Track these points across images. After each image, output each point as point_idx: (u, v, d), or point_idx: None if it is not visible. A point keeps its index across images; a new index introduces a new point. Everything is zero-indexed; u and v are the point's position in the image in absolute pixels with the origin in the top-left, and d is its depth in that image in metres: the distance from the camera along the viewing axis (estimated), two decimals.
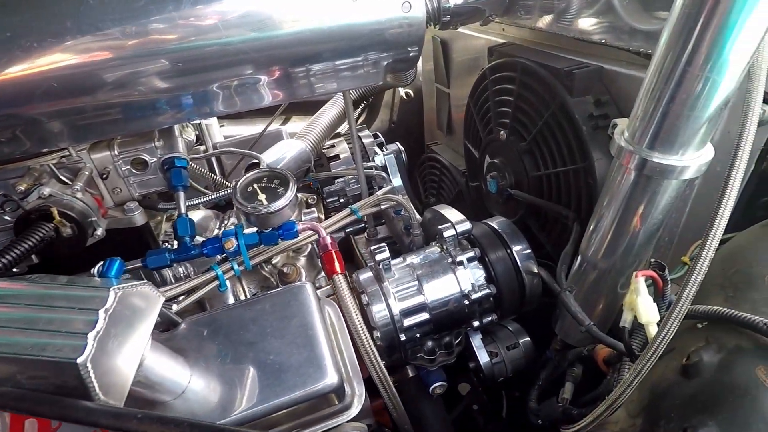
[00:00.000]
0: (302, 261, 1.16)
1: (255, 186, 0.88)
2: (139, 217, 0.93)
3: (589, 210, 0.85)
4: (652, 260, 0.71)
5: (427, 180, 1.68)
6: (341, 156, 1.49)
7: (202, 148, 1.44)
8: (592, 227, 0.80)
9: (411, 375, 1.10)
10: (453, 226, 0.98)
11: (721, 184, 0.58)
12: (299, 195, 1.44)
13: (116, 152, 0.90)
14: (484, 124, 1.19)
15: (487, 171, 1.17)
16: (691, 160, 0.62)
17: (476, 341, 1.08)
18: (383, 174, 1.28)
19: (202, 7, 0.69)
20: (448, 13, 1.06)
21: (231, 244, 0.87)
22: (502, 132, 1.07)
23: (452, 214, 1.02)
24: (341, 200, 1.49)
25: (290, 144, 1.27)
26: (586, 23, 0.89)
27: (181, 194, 0.92)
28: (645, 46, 0.78)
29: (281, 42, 0.75)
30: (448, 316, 0.97)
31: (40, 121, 0.70)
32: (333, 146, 1.52)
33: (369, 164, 1.34)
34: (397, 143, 1.58)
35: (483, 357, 1.06)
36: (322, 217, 1.41)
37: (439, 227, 0.99)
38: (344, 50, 0.80)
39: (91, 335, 0.44)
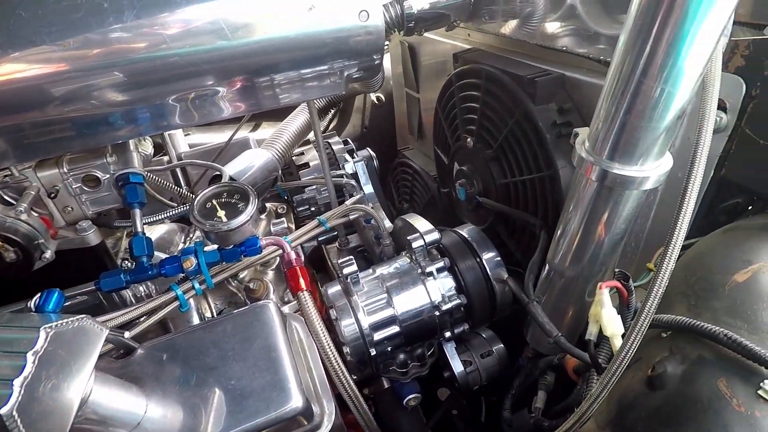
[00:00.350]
0: (270, 275, 1.13)
1: (214, 202, 0.85)
2: (93, 237, 0.88)
3: (556, 217, 0.84)
4: (617, 270, 0.71)
5: (400, 185, 1.67)
6: (311, 164, 1.46)
7: (166, 158, 1.39)
8: (558, 235, 0.79)
9: (386, 386, 1.09)
10: (422, 236, 0.96)
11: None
12: (268, 205, 1.41)
13: (65, 169, 0.85)
14: (452, 130, 1.18)
15: (456, 178, 1.16)
16: (651, 170, 0.62)
17: (450, 350, 1.06)
18: (353, 182, 1.25)
19: (147, 19, 0.66)
20: (412, 19, 1.05)
21: (190, 263, 0.83)
22: (469, 139, 1.06)
23: (421, 223, 1.01)
24: (312, 209, 1.46)
25: (256, 154, 1.24)
26: (549, 29, 0.89)
27: (137, 211, 0.88)
28: (605, 54, 0.78)
29: (236, 52, 0.72)
30: (419, 328, 0.95)
31: None
32: (302, 153, 1.49)
33: (338, 172, 1.31)
34: (368, 149, 1.56)
35: (457, 366, 1.05)
36: (293, 226, 1.38)
37: (408, 238, 0.97)
38: (303, 60, 0.77)
39: (17, 382, 0.40)
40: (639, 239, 0.90)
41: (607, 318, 0.64)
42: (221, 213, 0.83)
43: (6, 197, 0.81)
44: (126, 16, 0.65)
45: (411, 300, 0.94)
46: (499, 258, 0.98)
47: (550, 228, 0.89)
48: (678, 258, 0.59)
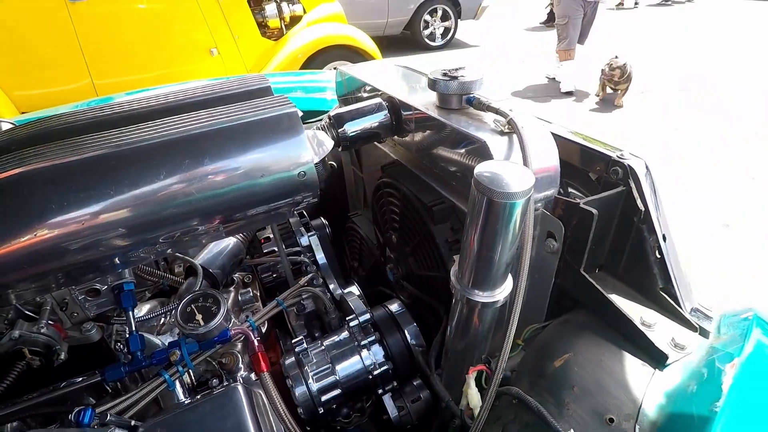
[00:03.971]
0: (239, 346, 1.38)
1: (192, 306, 1.11)
2: (95, 335, 1.12)
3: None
4: (483, 356, 1.01)
5: (350, 246, 1.95)
6: (272, 237, 1.72)
7: None
8: (448, 320, 1.09)
9: None
10: (356, 317, 1.25)
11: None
12: (236, 276, 1.66)
13: (73, 285, 1.09)
14: (383, 221, 1.47)
15: (386, 261, 1.45)
16: (498, 294, 0.92)
17: (386, 399, 1.35)
18: (306, 260, 1.52)
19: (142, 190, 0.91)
20: (348, 140, 1.33)
21: (175, 355, 1.08)
22: (393, 236, 1.34)
23: (357, 305, 1.29)
24: (274, 275, 1.72)
25: (224, 241, 1.49)
26: (444, 163, 1.18)
27: (131, 313, 1.12)
28: None
29: (203, 206, 0.98)
30: (357, 388, 1.23)
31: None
32: (264, 228, 1.75)
33: (295, 249, 1.58)
34: (322, 218, 1.83)
35: (392, 411, 1.33)
36: (258, 293, 1.64)
37: (347, 318, 1.25)
38: (259, 206, 1.03)
39: None
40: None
41: (470, 394, 0.93)
42: (199, 317, 1.09)
43: (27, 312, 1.04)
44: (125, 192, 0.90)
45: (349, 367, 1.22)
46: (417, 329, 1.27)
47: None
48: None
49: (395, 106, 1.33)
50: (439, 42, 10.10)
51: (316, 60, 6.19)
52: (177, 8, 5.57)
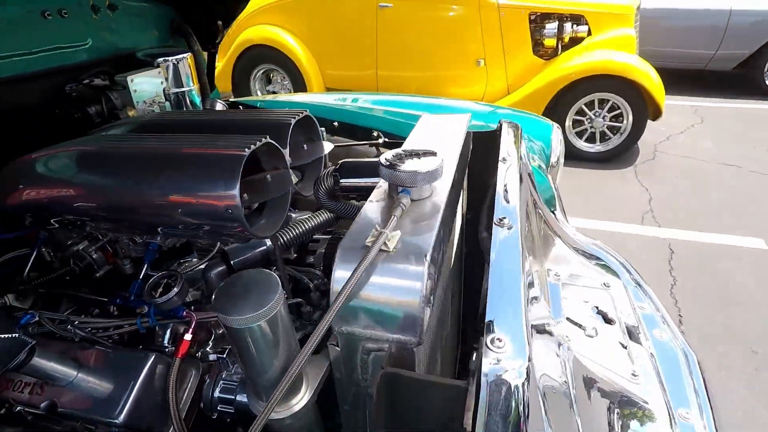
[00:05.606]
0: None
1: (165, 281, 1.39)
2: (128, 269, 1.55)
3: None
4: None
5: None
6: (317, 251, 1.85)
7: None
8: None
9: None
10: None
11: None
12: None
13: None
14: None
15: None
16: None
17: None
18: (311, 283, 1.61)
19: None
20: (340, 190, 1.33)
21: (142, 309, 1.40)
22: None
23: None
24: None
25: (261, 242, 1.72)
26: None
27: (146, 265, 1.49)
28: None
29: (154, 213, 1.20)
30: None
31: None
32: (317, 241, 1.89)
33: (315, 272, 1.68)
34: None
35: None
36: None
37: None
38: (192, 226, 1.20)
39: None
40: None
41: None
42: (159, 290, 1.36)
43: (98, 234, 1.54)
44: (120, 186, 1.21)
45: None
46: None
47: None
48: None
49: None
50: None
51: (580, 87, 5.66)
52: (461, 20, 6.02)
